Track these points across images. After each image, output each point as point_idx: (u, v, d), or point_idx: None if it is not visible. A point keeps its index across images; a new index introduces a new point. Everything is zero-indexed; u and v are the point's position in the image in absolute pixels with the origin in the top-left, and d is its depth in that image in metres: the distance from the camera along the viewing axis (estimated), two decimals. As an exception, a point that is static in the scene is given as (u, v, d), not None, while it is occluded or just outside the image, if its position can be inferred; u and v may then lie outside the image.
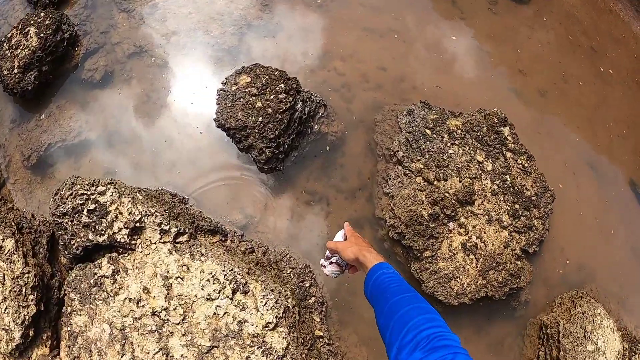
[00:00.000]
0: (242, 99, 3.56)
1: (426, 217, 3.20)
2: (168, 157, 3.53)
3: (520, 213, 3.51)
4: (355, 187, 3.42)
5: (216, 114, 3.61)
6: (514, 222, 3.47)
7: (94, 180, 2.89)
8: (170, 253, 2.77)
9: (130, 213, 2.82)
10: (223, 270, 2.72)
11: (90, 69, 3.53)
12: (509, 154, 3.69)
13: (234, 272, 2.73)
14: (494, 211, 3.44)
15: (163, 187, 3.42)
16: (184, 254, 2.79)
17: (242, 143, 3.49)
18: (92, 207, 2.81)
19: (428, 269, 3.18)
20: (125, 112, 3.61)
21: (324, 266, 1.62)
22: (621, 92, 4.57)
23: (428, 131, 3.57)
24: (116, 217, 2.82)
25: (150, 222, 2.85)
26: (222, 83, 3.70)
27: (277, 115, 3.37)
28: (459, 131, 3.64)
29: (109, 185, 2.88)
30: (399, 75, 3.92)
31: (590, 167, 4.16)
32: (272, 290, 2.72)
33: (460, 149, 3.56)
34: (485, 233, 3.38)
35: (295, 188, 3.42)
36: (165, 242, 2.84)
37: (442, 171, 3.41)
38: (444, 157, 3.48)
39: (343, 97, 3.72)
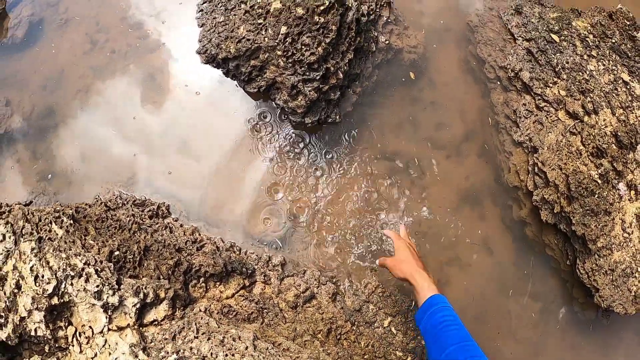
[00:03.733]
0: (242, 5, 1.88)
1: (597, 180, 1.86)
2: (137, 140, 1.87)
3: (679, 157, 2.32)
4: (461, 137, 1.97)
5: (200, 41, 1.91)
6: (674, 171, 2.29)
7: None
8: (136, 356, 1.16)
9: (37, 277, 1.14)
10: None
11: (11, 27, 2.21)
12: (650, 70, 2.43)
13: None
14: (657, 157, 2.20)
15: (120, 192, 1.73)
16: (168, 356, 1.21)
17: (254, 82, 1.84)
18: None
19: (602, 267, 1.89)
20: (62, 77, 2.05)
21: None
22: None
23: (555, 36, 2.17)
24: (18, 286, 1.13)
25: (78, 290, 1.20)
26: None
27: (316, 17, 1.73)
28: (591, 36, 2.29)
29: None
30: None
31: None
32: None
33: (600, 63, 2.23)
34: (653, 193, 2.15)
35: (365, 149, 1.86)
36: (121, 330, 1.23)
37: (588, 99, 2.06)
38: (586, 77, 2.12)
39: (406, -8, 2.14)
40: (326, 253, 1.74)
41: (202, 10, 2.06)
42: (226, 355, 1.27)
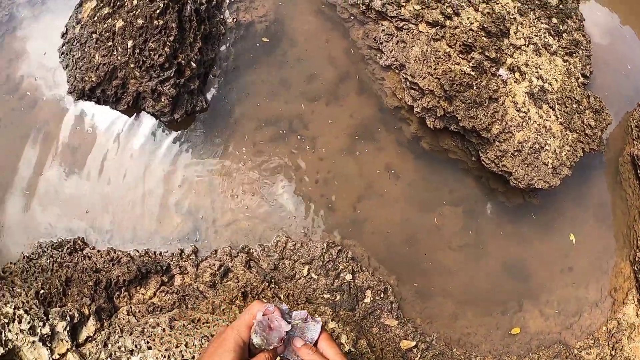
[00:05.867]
0: (94, 35, 1.96)
1: (470, 73, 1.90)
2: (48, 192, 1.90)
3: (560, 28, 2.37)
4: (335, 81, 2.01)
5: (68, 81, 2.02)
6: (559, 43, 2.33)
7: None
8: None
9: None
10: None
11: None
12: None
13: None
14: (535, 35, 2.25)
15: (40, 243, 1.79)
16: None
17: (122, 100, 1.93)
18: None
19: (507, 150, 1.93)
20: None
21: None
22: None
23: (396, -41, 2.21)
24: None
25: (17, 333, 1.39)
26: (61, 37, 2.16)
27: (155, 22, 1.81)
28: (434, -53, 2.35)
29: None
30: None
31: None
32: None
33: (449, -31, 2.27)
34: (541, 69, 2.20)
35: (246, 122, 1.91)
36: (63, 356, 1.36)
37: (446, 4, 2.11)
38: (438, -14, 2.17)
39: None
40: (234, 228, 1.78)
41: (63, 53, 2.12)
42: (147, 341, 1.33)
